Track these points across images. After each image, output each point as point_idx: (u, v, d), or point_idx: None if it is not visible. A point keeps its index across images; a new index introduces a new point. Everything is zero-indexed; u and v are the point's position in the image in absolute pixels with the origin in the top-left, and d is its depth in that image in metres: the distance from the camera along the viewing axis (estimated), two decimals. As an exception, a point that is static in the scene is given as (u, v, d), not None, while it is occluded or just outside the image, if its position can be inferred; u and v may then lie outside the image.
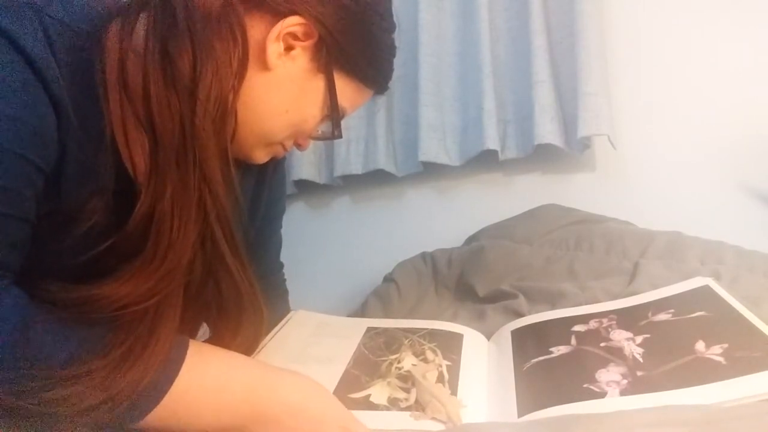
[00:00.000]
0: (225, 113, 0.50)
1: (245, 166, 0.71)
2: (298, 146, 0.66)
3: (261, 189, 0.79)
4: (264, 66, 0.55)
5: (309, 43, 0.57)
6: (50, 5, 0.47)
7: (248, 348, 0.61)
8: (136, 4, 0.51)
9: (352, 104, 0.64)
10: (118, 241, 0.48)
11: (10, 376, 0.41)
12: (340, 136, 0.64)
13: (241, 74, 0.52)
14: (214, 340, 0.58)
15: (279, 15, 0.54)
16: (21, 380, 0.42)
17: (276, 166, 0.80)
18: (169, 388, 0.46)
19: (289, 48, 0.56)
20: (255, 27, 0.54)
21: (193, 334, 0.58)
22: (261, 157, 0.63)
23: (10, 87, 0.43)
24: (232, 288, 0.56)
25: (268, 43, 0.54)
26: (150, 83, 0.47)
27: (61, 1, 0.48)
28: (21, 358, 0.41)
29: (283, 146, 0.64)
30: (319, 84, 0.59)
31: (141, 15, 0.50)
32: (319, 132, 0.65)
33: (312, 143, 1.34)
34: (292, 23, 0.55)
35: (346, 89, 0.61)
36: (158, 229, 0.48)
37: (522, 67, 1.19)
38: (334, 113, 0.61)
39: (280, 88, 0.57)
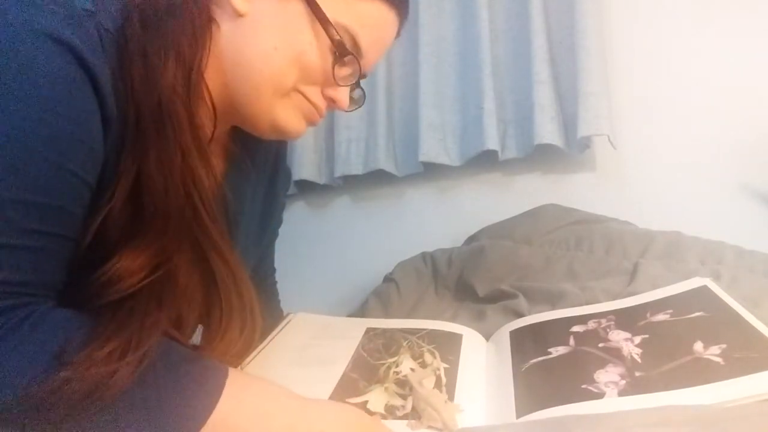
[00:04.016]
0: (190, 88, 0.51)
1: (255, 174, 0.71)
2: (332, 103, 0.60)
3: (274, 196, 0.80)
4: (236, 14, 0.54)
5: None
6: (103, 13, 0.48)
7: (247, 343, 0.60)
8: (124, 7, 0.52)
9: (363, 23, 0.57)
10: (110, 214, 0.48)
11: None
12: (360, 75, 0.59)
13: (203, 45, 0.53)
14: (211, 332, 0.57)
15: None
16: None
17: (283, 168, 0.82)
18: (208, 416, 0.45)
19: None
20: None
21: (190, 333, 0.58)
22: (288, 117, 0.58)
23: (76, 107, 0.44)
24: (226, 273, 0.56)
25: None
26: (134, 74, 0.48)
27: (105, 8, 0.49)
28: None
29: (305, 97, 0.58)
30: (297, 6, 0.55)
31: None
32: (355, 96, 0.63)
33: (313, 144, 1.37)
34: None
35: (349, 7, 0.56)
36: (149, 191, 0.49)
37: (522, 67, 1.19)
38: (324, 24, 0.55)
39: (258, 28, 0.55)
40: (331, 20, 0.54)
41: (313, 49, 0.55)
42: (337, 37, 0.55)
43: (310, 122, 0.60)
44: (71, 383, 0.40)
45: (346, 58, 0.56)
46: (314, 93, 0.58)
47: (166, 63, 0.50)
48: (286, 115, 0.58)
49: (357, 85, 0.62)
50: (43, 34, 0.43)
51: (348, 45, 0.56)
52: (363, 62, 0.58)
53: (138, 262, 0.48)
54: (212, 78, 0.54)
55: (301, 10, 0.55)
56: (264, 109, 0.57)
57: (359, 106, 0.67)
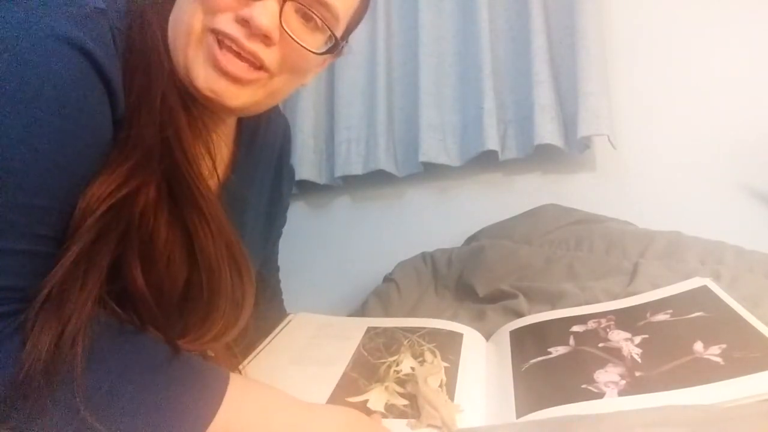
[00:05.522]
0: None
1: (259, 177, 0.70)
2: (247, 24, 0.49)
3: (279, 197, 0.79)
4: None
5: None
6: (113, 12, 0.48)
7: (229, 325, 0.55)
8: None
9: None
10: None
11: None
12: None
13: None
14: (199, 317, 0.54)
15: None
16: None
17: (287, 168, 0.81)
18: (210, 422, 0.45)
19: None
20: None
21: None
22: (194, 63, 0.51)
23: (88, 111, 0.44)
24: (207, 238, 0.53)
25: None
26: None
27: (115, 6, 0.49)
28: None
29: (217, 32, 0.50)
30: None
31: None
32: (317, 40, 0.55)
33: (313, 144, 1.37)
34: None
35: None
36: (129, 120, 0.48)
37: (522, 67, 1.19)
38: None
39: None
40: None
41: None
42: None
43: (219, 69, 0.50)
44: (25, 364, 0.39)
45: None
46: (225, 21, 0.50)
47: (153, 20, 0.50)
48: (194, 66, 0.51)
49: (318, 20, 0.53)
50: (56, 37, 0.42)
51: None
52: None
53: (100, 191, 0.45)
54: None
55: None
56: (180, 63, 0.51)
57: (330, 51, 0.56)
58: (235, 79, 0.51)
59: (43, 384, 0.40)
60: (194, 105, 0.53)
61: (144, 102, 0.49)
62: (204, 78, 0.50)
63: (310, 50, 0.53)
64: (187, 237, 0.52)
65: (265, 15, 0.49)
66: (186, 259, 0.52)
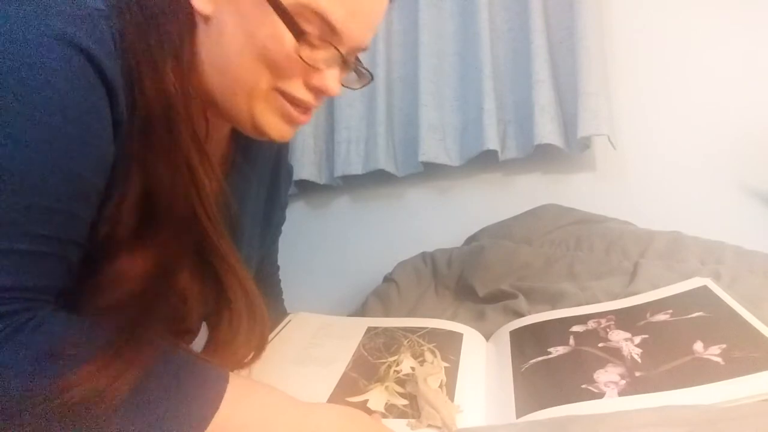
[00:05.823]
0: (187, 90, 0.51)
1: (256, 175, 0.71)
2: (320, 92, 0.54)
3: (277, 195, 0.79)
4: (203, 20, 0.51)
5: None
6: (113, 12, 0.47)
7: (252, 348, 0.61)
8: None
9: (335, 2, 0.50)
10: (119, 217, 0.49)
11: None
12: (349, 52, 0.54)
13: (191, 45, 0.51)
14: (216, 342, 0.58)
15: None
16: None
17: (285, 167, 0.81)
18: (209, 422, 0.45)
19: None
20: None
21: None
22: (267, 121, 0.54)
23: (89, 111, 0.44)
24: (233, 278, 0.57)
25: None
26: (143, 76, 0.49)
27: (114, 9, 0.48)
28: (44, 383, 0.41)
29: (287, 94, 0.53)
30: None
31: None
32: (356, 76, 0.60)
33: (313, 144, 1.37)
34: None
35: None
36: (157, 195, 0.49)
37: (522, 67, 1.20)
38: (278, 11, 0.49)
39: (224, 31, 0.51)
40: (287, 4, 0.49)
41: (276, 42, 0.50)
42: (296, 22, 0.49)
43: (293, 123, 0.56)
44: (63, 394, 0.39)
45: (315, 41, 0.51)
46: (296, 87, 0.53)
47: (167, 65, 0.49)
48: (265, 120, 0.54)
49: (354, 65, 0.58)
50: (56, 37, 0.42)
51: (315, 26, 0.50)
52: (344, 38, 0.52)
53: (140, 264, 0.48)
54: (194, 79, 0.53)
55: (257, 2, 0.49)
56: (243, 112, 0.54)
57: (365, 84, 0.62)
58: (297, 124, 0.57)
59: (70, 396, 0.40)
60: (206, 141, 0.54)
61: (174, 170, 0.50)
62: (277, 128, 0.56)
63: (353, 88, 0.61)
64: (209, 285, 0.56)
65: (336, 85, 0.55)
66: (208, 305, 0.56)
